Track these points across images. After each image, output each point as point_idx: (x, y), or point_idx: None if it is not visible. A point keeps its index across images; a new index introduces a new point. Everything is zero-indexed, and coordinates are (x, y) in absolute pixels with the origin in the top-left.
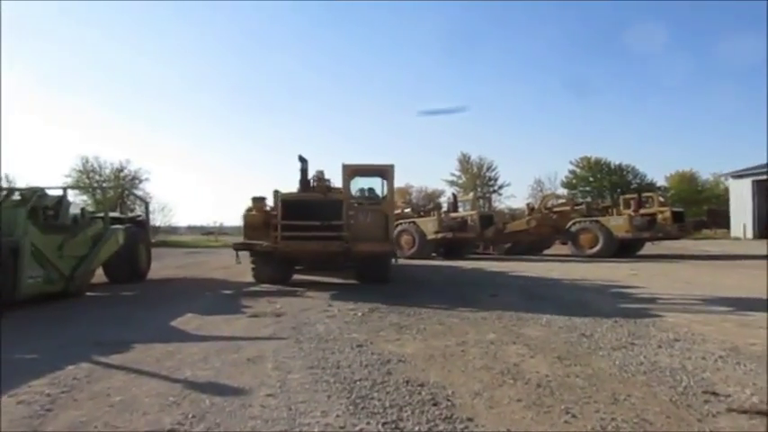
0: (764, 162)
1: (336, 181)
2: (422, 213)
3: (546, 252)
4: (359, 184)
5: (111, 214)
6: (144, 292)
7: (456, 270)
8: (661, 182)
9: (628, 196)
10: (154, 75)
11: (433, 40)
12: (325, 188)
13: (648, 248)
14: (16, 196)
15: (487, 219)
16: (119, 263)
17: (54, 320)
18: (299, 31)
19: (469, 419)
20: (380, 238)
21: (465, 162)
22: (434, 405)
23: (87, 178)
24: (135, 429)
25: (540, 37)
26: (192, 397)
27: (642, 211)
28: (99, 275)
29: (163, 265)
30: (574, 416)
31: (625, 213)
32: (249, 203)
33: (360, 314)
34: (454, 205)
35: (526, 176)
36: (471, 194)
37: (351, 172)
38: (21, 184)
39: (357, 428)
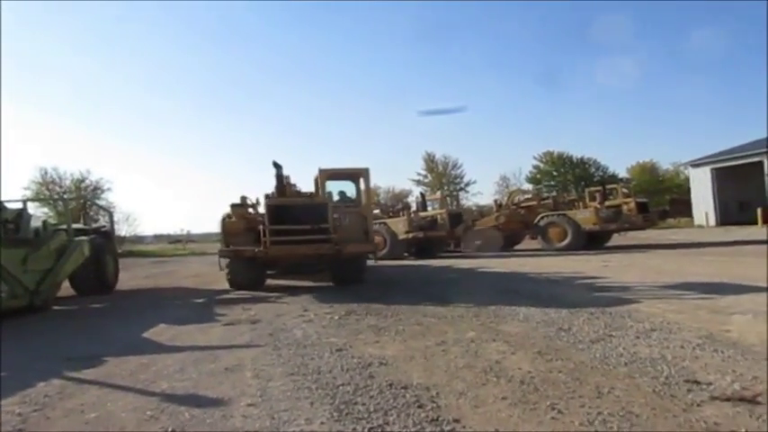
0: (721, 150)
1: (303, 185)
2: (391, 214)
3: (516, 247)
4: (329, 187)
5: (75, 225)
6: (113, 304)
7: (429, 269)
8: (623, 173)
9: (593, 189)
10: (112, 80)
11: (397, 40)
12: (295, 193)
13: (616, 239)
14: None
15: (456, 217)
16: (85, 275)
17: (21, 336)
18: (261, 36)
19: (456, 420)
20: (362, 240)
21: (430, 161)
22: (419, 407)
23: (47, 190)
24: None
25: (501, 34)
26: (170, 410)
27: (607, 203)
28: (66, 288)
29: (131, 276)
30: (560, 411)
31: (591, 206)
32: (225, 210)
33: (336, 317)
34: (423, 204)
35: (491, 173)
36: (439, 193)
37: (327, 176)
38: None
39: None
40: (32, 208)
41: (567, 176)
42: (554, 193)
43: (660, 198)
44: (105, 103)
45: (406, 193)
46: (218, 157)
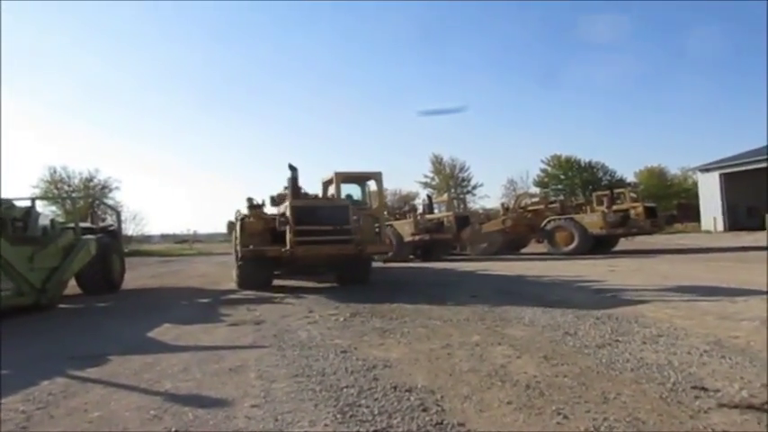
0: (731, 155)
1: (308, 187)
2: (397, 216)
3: (523, 251)
4: (332, 191)
5: (82, 224)
6: (119, 303)
7: (434, 271)
8: (630, 178)
9: (600, 193)
10: (121, 81)
11: (404, 41)
12: (303, 194)
13: (623, 244)
14: None
15: (463, 219)
16: (92, 273)
17: (26, 334)
18: (269, 37)
19: (461, 424)
20: (375, 240)
21: (437, 163)
22: (424, 411)
23: (56, 189)
24: None
25: (508, 36)
26: (173, 410)
27: (615, 207)
28: (72, 287)
29: (137, 275)
30: (566, 417)
31: (598, 210)
32: (233, 211)
33: (341, 319)
34: (429, 207)
35: (499, 176)
36: (446, 195)
37: (342, 178)
38: None
39: None
40: (41, 206)
41: (575, 180)
42: (561, 197)
43: (668, 203)
44: (114, 103)
45: (413, 196)
46: (223, 158)
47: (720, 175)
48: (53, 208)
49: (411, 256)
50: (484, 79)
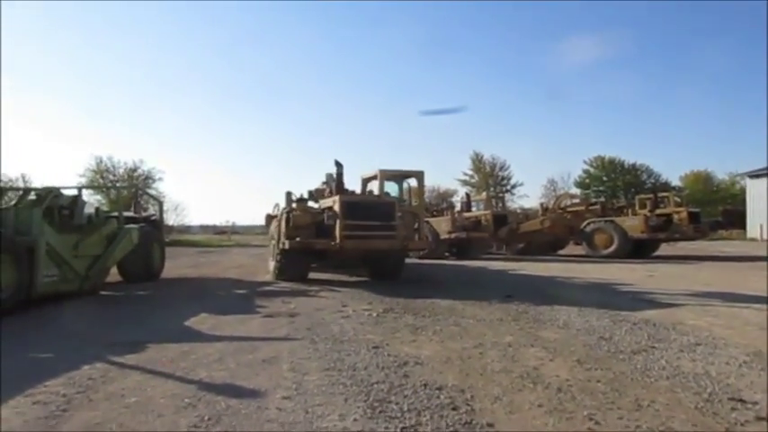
0: None
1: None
2: (435, 213)
3: (560, 252)
4: (371, 186)
5: (126, 214)
6: (158, 292)
7: (470, 270)
8: (675, 182)
9: (643, 196)
10: (169, 74)
11: (447, 39)
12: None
13: (664, 249)
14: (32, 196)
15: (501, 219)
16: (133, 262)
17: (69, 320)
18: (314, 34)
19: (490, 425)
20: (414, 237)
21: (478, 161)
22: (453, 409)
23: (101, 178)
24: (151, 431)
25: (552, 35)
26: (207, 398)
27: (658, 211)
28: (113, 274)
29: (176, 265)
30: (597, 422)
31: (640, 213)
32: (275, 204)
33: (374, 315)
34: (467, 205)
35: (539, 176)
36: (484, 194)
37: (386, 176)
38: (36, 183)
39: None
40: (86, 195)
41: (617, 182)
42: (602, 199)
43: (713, 209)
44: (159, 95)
45: (451, 193)
46: (263, 153)
47: None
48: (98, 197)
49: (446, 254)
50: (528, 78)
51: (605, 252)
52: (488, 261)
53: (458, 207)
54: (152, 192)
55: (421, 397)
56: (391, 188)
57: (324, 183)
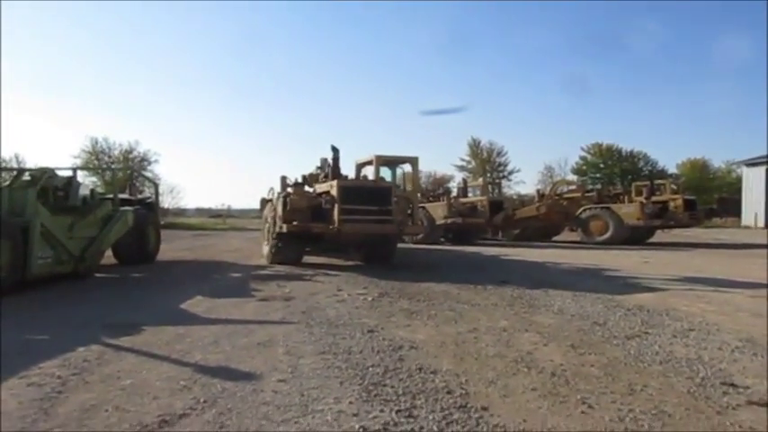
0: None
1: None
2: (431, 198)
3: (555, 239)
4: (365, 171)
5: (121, 196)
6: (153, 274)
7: (465, 255)
8: (672, 169)
9: (639, 183)
10: (165, 58)
11: (442, 27)
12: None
13: (659, 236)
14: (26, 177)
15: (497, 205)
16: (128, 244)
17: (64, 301)
18: (313, 22)
19: (484, 408)
20: (407, 222)
21: (475, 147)
22: (448, 393)
23: (97, 159)
24: (146, 413)
25: (552, 24)
26: (202, 381)
27: (654, 198)
28: (108, 257)
29: (171, 247)
30: (590, 406)
31: (636, 201)
32: (270, 189)
33: (370, 299)
34: (464, 190)
35: (536, 162)
36: (481, 180)
37: (382, 161)
38: (30, 164)
39: (371, 416)
40: (81, 176)
41: (614, 169)
42: (599, 186)
43: (709, 196)
44: (155, 78)
45: (448, 178)
46: (259, 136)
47: (767, 170)
48: (93, 179)
49: (442, 240)
50: (526, 65)
51: (600, 239)
52: (484, 247)
53: (454, 193)
54: (148, 174)
55: (416, 380)
56: (385, 174)
57: (318, 168)
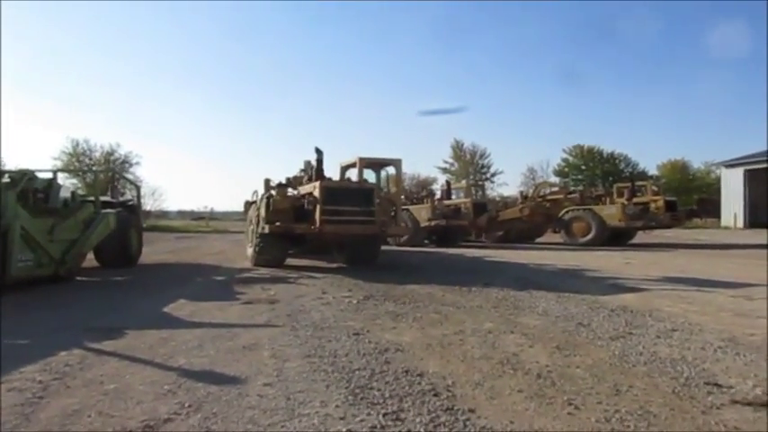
0: (758, 151)
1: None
2: (414, 201)
3: (538, 240)
4: (349, 173)
5: (102, 198)
6: (135, 278)
7: (449, 258)
8: (653, 171)
9: (621, 185)
10: (148, 59)
11: (425, 28)
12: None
13: (640, 237)
14: (5, 179)
15: (481, 206)
16: (110, 247)
17: (45, 305)
18: (290, 23)
19: (471, 411)
20: (390, 224)
21: (458, 149)
22: (435, 395)
23: (77, 161)
24: (130, 418)
25: (533, 25)
26: (187, 385)
27: (635, 199)
28: (90, 260)
29: (154, 250)
30: (576, 407)
31: (618, 202)
32: (254, 191)
33: (355, 302)
34: (447, 192)
35: (519, 164)
36: (464, 182)
37: (365, 163)
38: (10, 166)
39: (357, 419)
40: (62, 179)
41: (596, 171)
42: (581, 188)
43: (689, 197)
44: (136, 79)
45: (431, 181)
46: (242, 138)
47: (745, 171)
48: (74, 181)
49: (426, 242)
50: (508, 67)
51: (583, 240)
52: (468, 249)
53: (438, 195)
54: (129, 176)
55: (402, 383)
56: (369, 176)
57: (302, 170)
